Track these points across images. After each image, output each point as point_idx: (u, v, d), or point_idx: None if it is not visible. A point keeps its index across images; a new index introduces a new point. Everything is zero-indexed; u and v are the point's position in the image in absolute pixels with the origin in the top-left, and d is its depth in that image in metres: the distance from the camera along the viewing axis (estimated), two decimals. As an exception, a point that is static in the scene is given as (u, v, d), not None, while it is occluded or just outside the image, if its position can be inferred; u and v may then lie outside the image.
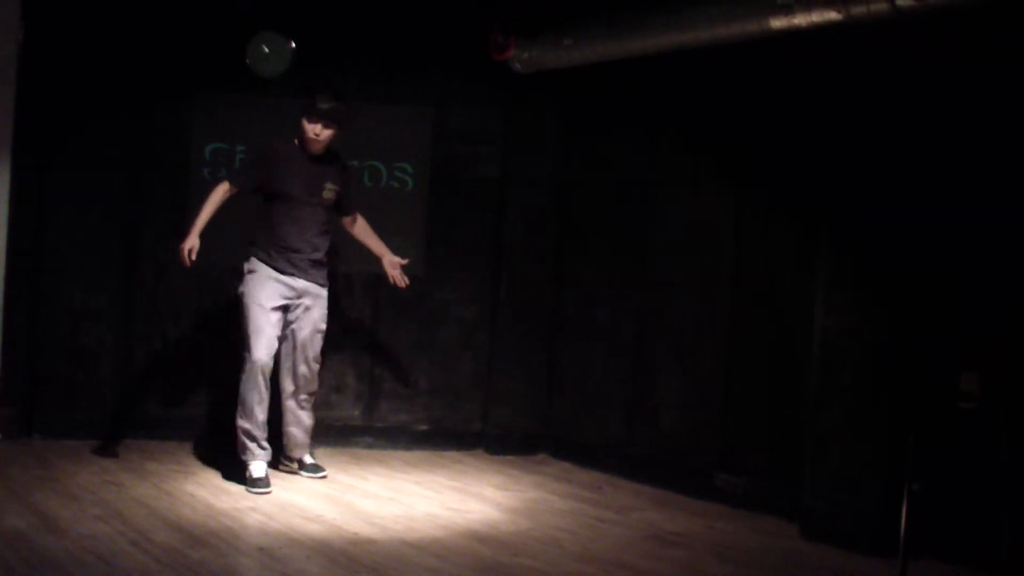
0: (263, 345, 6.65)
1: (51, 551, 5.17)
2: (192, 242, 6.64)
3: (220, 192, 6.76)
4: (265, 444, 6.74)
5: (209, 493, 6.45)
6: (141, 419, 7.66)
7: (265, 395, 6.71)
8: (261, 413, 6.72)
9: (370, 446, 7.90)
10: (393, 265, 7.02)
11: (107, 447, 7.35)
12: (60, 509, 5.89)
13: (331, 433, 7.82)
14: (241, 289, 6.77)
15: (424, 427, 8.02)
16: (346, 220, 7.08)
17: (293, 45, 7.35)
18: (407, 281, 7.05)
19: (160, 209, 7.69)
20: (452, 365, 8.05)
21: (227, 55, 7.32)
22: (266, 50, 7.31)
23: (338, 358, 7.84)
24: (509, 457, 7.93)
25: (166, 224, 7.66)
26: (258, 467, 6.68)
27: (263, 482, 6.61)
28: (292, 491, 6.62)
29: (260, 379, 6.66)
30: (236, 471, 6.97)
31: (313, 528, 5.85)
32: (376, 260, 7.12)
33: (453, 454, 7.94)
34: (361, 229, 7.12)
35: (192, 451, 7.46)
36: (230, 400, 7.69)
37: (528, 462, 7.87)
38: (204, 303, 7.75)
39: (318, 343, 6.90)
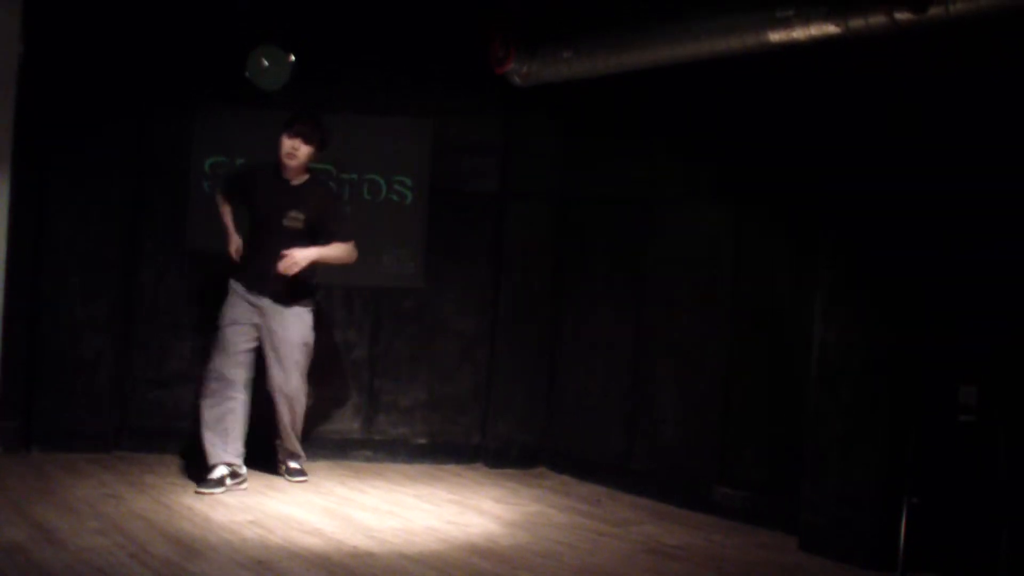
0: (222, 359, 6.86)
1: (50, 564, 5.16)
2: (237, 241, 6.97)
3: (225, 201, 7.07)
4: (222, 450, 6.83)
5: (208, 506, 6.44)
6: (140, 431, 7.66)
7: (223, 406, 6.83)
8: (217, 423, 6.84)
9: (369, 459, 7.88)
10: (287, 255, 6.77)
11: (106, 459, 7.34)
12: (59, 522, 5.88)
13: (329, 446, 7.82)
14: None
15: (423, 440, 8.01)
16: None
17: (293, 58, 7.36)
18: (285, 269, 6.76)
19: (160, 219, 7.71)
20: (451, 378, 8.04)
21: (227, 67, 7.34)
22: (266, 63, 7.33)
23: (337, 371, 7.83)
24: (508, 470, 7.91)
25: (166, 234, 7.68)
26: (216, 470, 6.81)
27: (214, 483, 6.73)
28: (291, 504, 6.61)
29: (214, 387, 6.83)
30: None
31: (312, 541, 5.84)
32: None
33: (452, 467, 7.93)
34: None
35: (190, 464, 7.44)
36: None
37: (527, 475, 7.86)
38: (204, 313, 7.74)
39: (292, 352, 6.93)
